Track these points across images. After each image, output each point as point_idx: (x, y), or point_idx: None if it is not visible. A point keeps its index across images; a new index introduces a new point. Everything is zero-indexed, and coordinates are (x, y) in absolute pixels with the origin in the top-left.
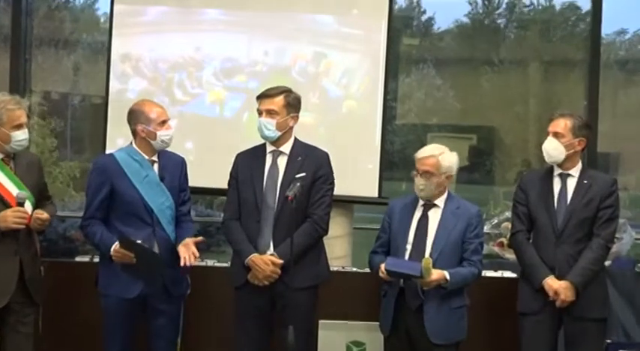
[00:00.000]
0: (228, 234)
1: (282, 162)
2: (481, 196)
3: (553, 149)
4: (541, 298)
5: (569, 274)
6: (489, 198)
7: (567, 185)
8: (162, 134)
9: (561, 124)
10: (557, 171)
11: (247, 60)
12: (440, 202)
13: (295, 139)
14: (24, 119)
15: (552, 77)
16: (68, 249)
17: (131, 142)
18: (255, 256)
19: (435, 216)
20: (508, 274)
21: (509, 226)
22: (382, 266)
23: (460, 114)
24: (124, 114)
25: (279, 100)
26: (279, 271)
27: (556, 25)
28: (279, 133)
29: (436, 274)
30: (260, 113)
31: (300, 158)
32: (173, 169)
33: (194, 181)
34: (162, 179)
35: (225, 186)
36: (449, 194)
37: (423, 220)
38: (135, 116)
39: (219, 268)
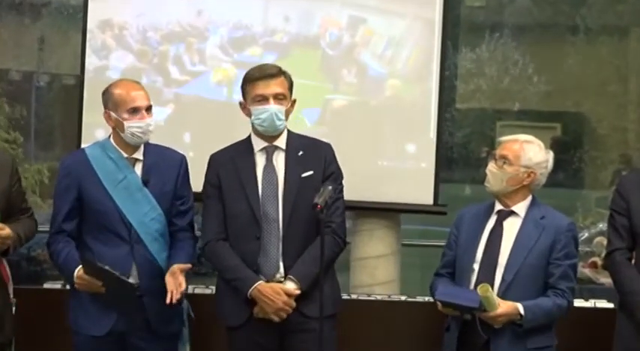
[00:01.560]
0: (215, 260)
1: (279, 160)
2: (567, 203)
3: None
4: None
5: None
6: (577, 205)
7: None
8: (131, 126)
9: None
10: None
11: (263, 27)
12: (520, 209)
13: (287, 129)
14: None
15: None
16: (35, 273)
17: (110, 135)
18: (262, 285)
19: (511, 227)
20: (603, 303)
21: (605, 242)
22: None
23: (539, 96)
24: None
25: (283, 80)
26: (293, 304)
27: None
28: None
29: (505, 306)
30: (263, 99)
31: (301, 153)
32: (165, 170)
33: (195, 184)
34: (145, 183)
35: None
36: (533, 200)
37: (496, 231)
38: (104, 99)
39: None
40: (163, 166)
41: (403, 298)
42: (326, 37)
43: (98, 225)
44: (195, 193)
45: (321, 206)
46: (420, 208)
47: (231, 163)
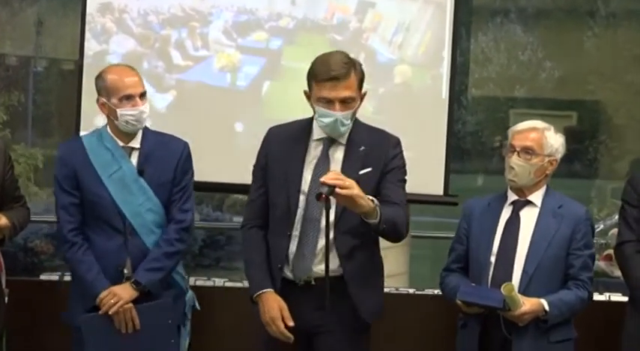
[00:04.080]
0: (244, 248)
1: (337, 153)
2: (582, 194)
3: None
4: None
5: None
6: (592, 196)
7: None
8: (124, 113)
9: None
10: None
11: (268, 12)
12: (536, 198)
13: (356, 119)
14: None
15: None
16: (31, 264)
17: (107, 123)
18: (267, 294)
19: (529, 217)
20: (617, 297)
21: None
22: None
23: (555, 84)
24: None
25: (353, 78)
26: (284, 331)
27: None
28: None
29: (529, 304)
30: (328, 102)
31: (362, 148)
32: (163, 159)
33: (197, 173)
34: (140, 173)
35: (239, 180)
36: (547, 189)
37: (513, 222)
38: (97, 86)
39: (231, 290)
40: (162, 155)
41: (412, 291)
42: (333, 21)
43: (94, 216)
44: (198, 183)
45: (325, 196)
46: (430, 199)
47: (284, 145)
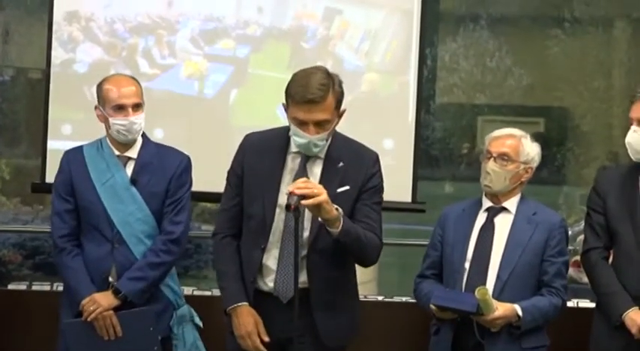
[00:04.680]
0: (215, 258)
1: (314, 168)
2: (550, 201)
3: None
4: (621, 338)
5: None
6: (560, 203)
7: None
8: (115, 123)
9: None
10: None
11: (235, 20)
12: (511, 205)
13: (335, 132)
14: None
15: None
16: None
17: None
18: (242, 308)
19: (503, 224)
20: (585, 303)
21: None
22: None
23: (522, 90)
24: (70, 92)
25: (330, 100)
26: (259, 346)
27: None
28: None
29: (503, 309)
30: (302, 124)
31: (341, 164)
32: (159, 170)
33: None
34: (133, 182)
35: (208, 188)
36: (522, 196)
37: (488, 228)
38: (97, 95)
39: (200, 298)
40: (158, 166)
41: (380, 298)
42: (300, 29)
43: (86, 223)
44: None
45: (293, 206)
46: (398, 206)
47: (262, 156)
